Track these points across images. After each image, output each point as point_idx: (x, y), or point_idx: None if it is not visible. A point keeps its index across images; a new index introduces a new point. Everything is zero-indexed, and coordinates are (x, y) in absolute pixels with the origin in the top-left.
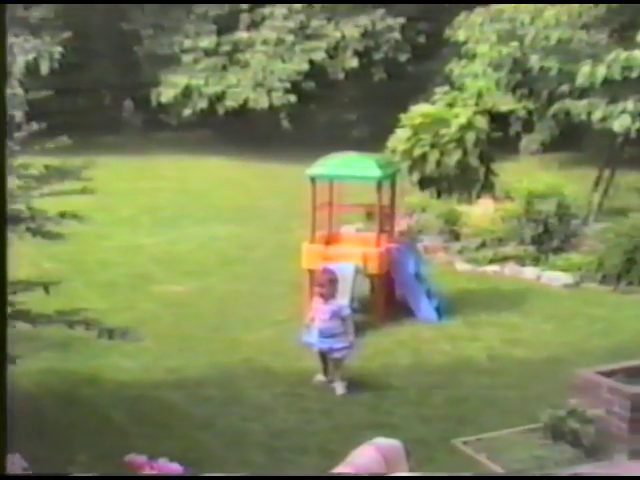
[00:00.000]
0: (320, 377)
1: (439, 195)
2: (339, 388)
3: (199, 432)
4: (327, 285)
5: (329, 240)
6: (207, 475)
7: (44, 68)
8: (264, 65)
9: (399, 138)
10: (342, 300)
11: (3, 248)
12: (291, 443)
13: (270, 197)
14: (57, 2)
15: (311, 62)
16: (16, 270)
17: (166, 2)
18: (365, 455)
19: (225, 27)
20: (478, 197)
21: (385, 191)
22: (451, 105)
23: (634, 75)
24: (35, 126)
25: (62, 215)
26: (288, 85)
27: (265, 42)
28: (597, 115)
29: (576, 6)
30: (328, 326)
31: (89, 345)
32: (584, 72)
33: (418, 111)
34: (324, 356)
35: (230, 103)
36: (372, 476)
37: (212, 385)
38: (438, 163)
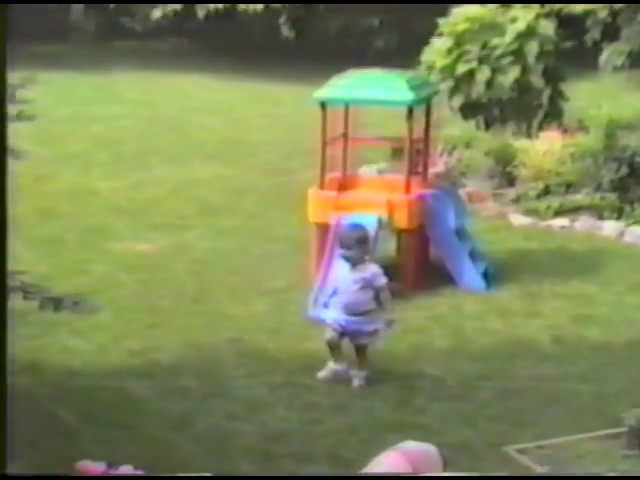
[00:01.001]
0: (330, 368)
1: (488, 126)
2: (357, 378)
3: (172, 433)
4: (355, 246)
5: (343, 185)
6: (207, 475)
7: None
8: None
9: (437, 50)
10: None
11: (3, 244)
12: (292, 449)
13: (266, 128)
14: (57, 2)
15: None
16: None
17: (166, 2)
18: (388, 464)
19: None
20: (541, 128)
21: (418, 120)
22: (506, 5)
23: None
24: None
25: None
26: None
27: None
28: None
29: None
30: (358, 300)
31: (28, 320)
32: None
33: (462, 14)
34: (340, 339)
35: (213, 3)
36: (372, 476)
37: (189, 373)
38: (488, 83)
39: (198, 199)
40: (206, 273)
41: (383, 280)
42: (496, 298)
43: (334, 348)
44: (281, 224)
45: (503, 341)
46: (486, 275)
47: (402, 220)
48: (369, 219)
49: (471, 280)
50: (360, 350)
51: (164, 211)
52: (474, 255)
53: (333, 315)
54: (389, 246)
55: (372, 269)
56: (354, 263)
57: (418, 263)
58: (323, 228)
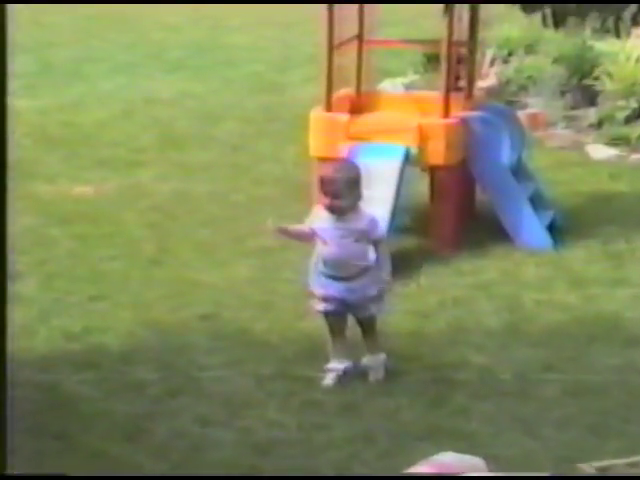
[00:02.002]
0: (335, 371)
1: (557, 23)
2: (372, 370)
3: (123, 444)
4: (346, 193)
5: (358, 105)
6: (207, 475)
7: None
8: None
9: None
10: (377, 209)
11: (3, 239)
12: (287, 464)
13: (249, 28)
14: (58, 2)
15: None
16: None
17: (166, 2)
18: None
19: None
20: (635, 23)
21: (460, 15)
22: None
23: None
24: None
25: None
26: None
27: None
28: None
29: None
30: (351, 258)
31: None
32: None
33: None
34: (342, 316)
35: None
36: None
37: (147, 362)
38: None
39: (157, 125)
40: (169, 226)
41: (381, 230)
42: (567, 260)
43: (336, 333)
44: (271, 160)
45: (576, 319)
46: (553, 228)
47: (438, 153)
48: (392, 151)
49: (533, 235)
50: (368, 326)
51: (111, 141)
52: (537, 201)
53: (322, 284)
54: (420, 189)
55: (367, 216)
56: (342, 213)
57: (459, 213)
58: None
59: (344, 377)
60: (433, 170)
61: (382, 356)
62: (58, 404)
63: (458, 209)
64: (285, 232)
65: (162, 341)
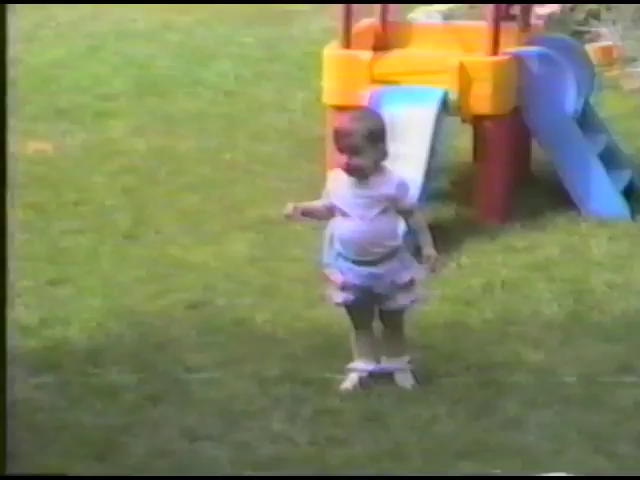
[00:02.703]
0: (357, 372)
1: None
2: (402, 374)
3: (87, 464)
4: (367, 148)
5: (383, 39)
6: (208, 475)
7: None
8: None
9: None
10: (406, 169)
11: (3, 231)
12: None
13: None
14: (58, 2)
15: None
16: None
17: (166, 3)
18: None
19: None
20: None
21: None
22: None
23: None
24: None
25: None
26: None
27: None
28: None
29: None
30: (376, 234)
31: None
32: None
33: None
34: (366, 308)
35: None
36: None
37: (121, 361)
38: None
39: (132, 65)
40: (147, 192)
41: (412, 197)
42: None
43: (359, 327)
44: (274, 109)
45: None
46: (630, 193)
47: (483, 99)
48: (426, 97)
49: (604, 201)
50: (393, 321)
51: (73, 86)
52: (610, 159)
53: (339, 268)
54: (460, 145)
55: (395, 179)
56: (364, 176)
57: (510, 174)
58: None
59: (368, 381)
60: (477, 121)
61: (406, 359)
62: (9, 414)
63: (508, 169)
64: (307, 213)
65: (139, 335)
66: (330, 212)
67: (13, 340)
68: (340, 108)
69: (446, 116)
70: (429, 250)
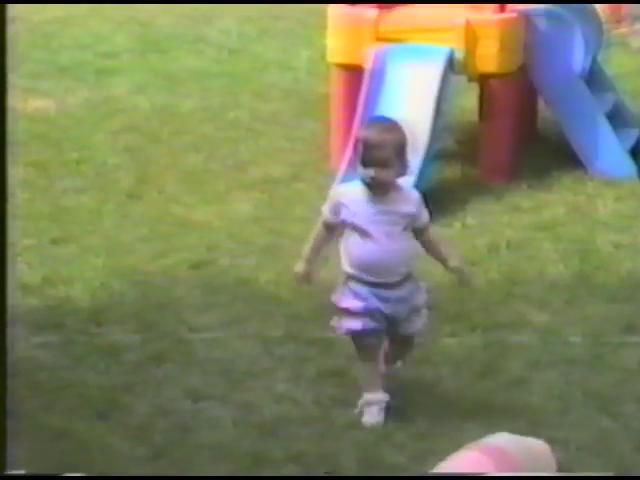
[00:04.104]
0: (379, 405)
1: None
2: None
3: (90, 422)
4: (393, 160)
5: None
6: (209, 475)
7: None
8: None
9: None
10: (412, 129)
11: (3, 236)
12: (302, 448)
13: None
14: (58, 2)
15: None
16: None
17: (165, 2)
18: (460, 467)
19: None
20: None
21: None
22: None
23: None
24: None
25: None
26: None
27: None
28: None
29: None
30: (398, 254)
31: None
32: None
33: None
34: (381, 336)
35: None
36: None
37: (123, 321)
38: None
39: (134, 22)
40: (150, 151)
41: (427, 213)
42: None
43: (372, 358)
44: (278, 67)
45: None
46: (638, 152)
47: (490, 58)
48: (432, 55)
49: (611, 161)
50: (408, 345)
51: (75, 43)
52: (617, 118)
53: (357, 293)
54: (466, 102)
55: (413, 196)
56: (385, 191)
57: (516, 133)
58: (352, 73)
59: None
60: (484, 79)
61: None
62: (12, 374)
63: (515, 129)
64: (314, 257)
65: (142, 295)
66: (330, 234)
67: (15, 299)
68: (344, 66)
69: (452, 75)
70: (456, 262)
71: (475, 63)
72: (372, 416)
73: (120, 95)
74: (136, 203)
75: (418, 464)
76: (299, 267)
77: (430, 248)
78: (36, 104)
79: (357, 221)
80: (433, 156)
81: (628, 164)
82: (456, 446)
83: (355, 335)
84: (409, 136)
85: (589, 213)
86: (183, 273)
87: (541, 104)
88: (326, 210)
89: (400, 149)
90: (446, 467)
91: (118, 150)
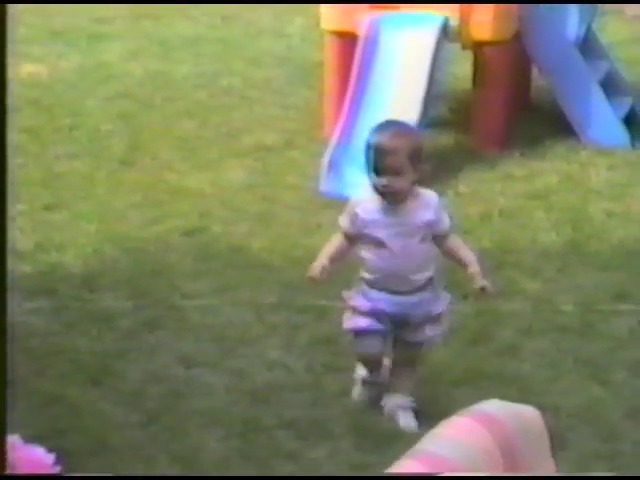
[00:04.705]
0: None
1: None
2: (404, 412)
3: (83, 388)
4: (400, 167)
5: None
6: (209, 475)
7: None
8: None
9: None
10: (406, 96)
11: (3, 238)
12: (294, 415)
13: None
14: (59, 2)
15: None
16: None
17: (165, 2)
18: (451, 434)
19: None
20: None
21: None
22: None
23: None
24: None
25: None
26: None
27: None
28: None
29: None
30: (414, 263)
31: None
32: None
33: None
34: (385, 340)
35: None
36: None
37: (115, 284)
38: None
39: None
40: (143, 117)
41: (447, 219)
42: None
43: (373, 365)
44: (272, 34)
45: None
46: (631, 121)
47: (484, 25)
48: (426, 22)
49: (604, 129)
50: (413, 354)
51: (67, 7)
52: (611, 86)
53: (367, 295)
54: (460, 70)
55: (431, 202)
56: (400, 200)
57: (510, 101)
58: (345, 40)
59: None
60: (478, 47)
61: (411, 399)
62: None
63: (508, 97)
64: (333, 262)
65: (135, 261)
66: (351, 244)
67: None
68: (338, 34)
69: (446, 42)
70: (476, 268)
71: (469, 31)
72: (357, 392)
73: (113, 61)
74: (129, 170)
75: (410, 431)
76: (314, 271)
77: (450, 255)
78: (28, 69)
79: (372, 233)
80: (426, 124)
81: (621, 133)
82: (447, 413)
83: (358, 333)
84: (423, 140)
85: (582, 182)
86: (176, 240)
87: (535, 72)
88: (343, 220)
89: (414, 154)
90: (438, 434)
91: (111, 116)
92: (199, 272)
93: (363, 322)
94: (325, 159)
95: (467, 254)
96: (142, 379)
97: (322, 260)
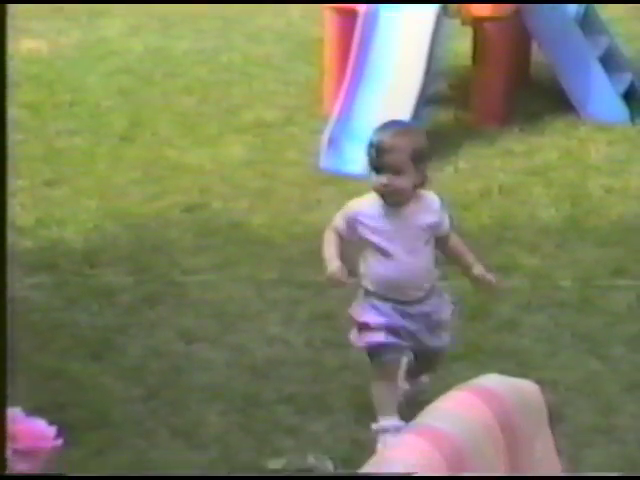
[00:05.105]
0: (389, 428)
1: None
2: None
3: (83, 362)
4: (401, 166)
5: None
6: (209, 475)
7: None
8: None
9: None
10: (405, 73)
11: (3, 239)
12: (294, 390)
13: None
14: (59, 2)
15: None
16: None
17: (167, 2)
18: (447, 409)
19: None
20: None
21: None
22: None
23: None
24: None
25: None
26: None
27: None
28: None
29: None
30: (416, 273)
31: None
32: None
33: None
34: (403, 352)
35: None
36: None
37: (115, 263)
38: None
39: None
40: (143, 93)
41: (447, 219)
42: None
43: (391, 377)
44: (272, 10)
45: None
46: (631, 96)
47: (484, 1)
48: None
49: (604, 105)
50: (436, 362)
51: None
52: (610, 61)
53: (376, 309)
54: (459, 46)
55: (433, 204)
56: (401, 202)
57: (509, 77)
58: (345, 17)
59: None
60: (477, 23)
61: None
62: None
63: (508, 73)
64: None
65: (136, 237)
66: (342, 241)
67: (8, 239)
68: (338, 10)
69: (446, 18)
70: (480, 269)
71: (469, 7)
72: (382, 445)
73: (113, 36)
74: (129, 146)
75: (408, 405)
76: (331, 268)
77: (452, 256)
78: (29, 45)
79: (375, 239)
80: (426, 100)
81: (621, 108)
82: (446, 387)
83: (375, 350)
84: (426, 141)
85: (581, 157)
86: (176, 216)
87: (534, 48)
88: (338, 219)
89: (416, 154)
90: (438, 407)
91: (111, 92)
92: (199, 248)
93: (379, 337)
94: (325, 135)
95: (469, 257)
96: (143, 354)
97: (334, 262)
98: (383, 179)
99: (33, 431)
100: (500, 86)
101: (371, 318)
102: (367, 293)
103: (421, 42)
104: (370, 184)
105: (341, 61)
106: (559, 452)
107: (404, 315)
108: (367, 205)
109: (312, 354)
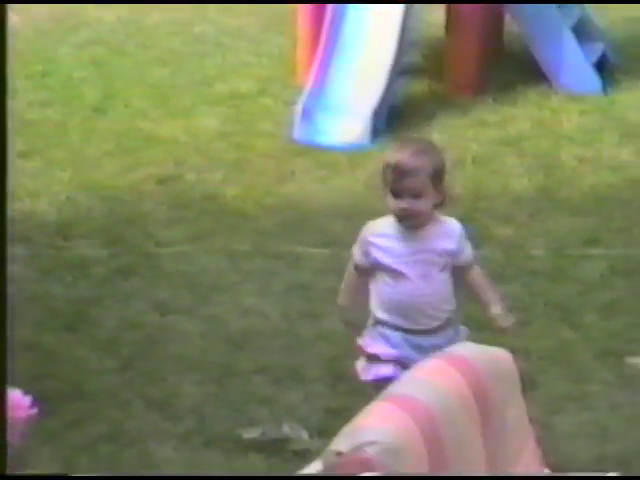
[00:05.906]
0: None
1: None
2: None
3: (58, 334)
4: (421, 189)
5: None
6: (209, 475)
7: None
8: None
9: None
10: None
11: (3, 226)
12: (269, 360)
13: None
14: (59, 2)
15: None
16: None
17: (169, 2)
18: (428, 375)
19: None
20: None
21: None
22: None
23: None
24: None
25: None
26: None
27: None
28: None
29: None
30: (431, 301)
31: None
32: None
33: None
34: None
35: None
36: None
37: (89, 235)
38: None
39: None
40: (116, 64)
41: (470, 248)
42: (619, 107)
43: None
44: None
45: (629, 180)
46: (602, 66)
47: None
48: None
49: (576, 75)
50: None
51: None
52: (582, 31)
53: (387, 338)
54: (433, 17)
55: (454, 230)
56: (419, 224)
57: (482, 48)
58: None
59: None
60: None
61: None
62: None
63: (481, 43)
64: (352, 306)
65: (109, 209)
66: (365, 276)
67: None
68: None
69: None
70: (497, 310)
71: None
72: None
73: (85, 8)
74: (102, 117)
75: None
76: (342, 316)
77: (471, 289)
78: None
79: (389, 262)
80: (400, 71)
81: (593, 78)
82: None
83: (382, 383)
84: (445, 158)
85: (554, 128)
86: (150, 188)
87: (507, 18)
88: (356, 251)
89: (436, 174)
90: (412, 376)
91: (83, 63)
92: (173, 220)
93: (386, 370)
94: (298, 106)
95: (490, 294)
96: (117, 325)
97: (344, 307)
98: (403, 204)
99: (8, 401)
100: (473, 56)
101: (381, 349)
102: (377, 322)
103: (394, 13)
104: (387, 206)
105: (314, 32)
106: (531, 419)
107: (414, 347)
108: (382, 225)
109: (287, 325)
